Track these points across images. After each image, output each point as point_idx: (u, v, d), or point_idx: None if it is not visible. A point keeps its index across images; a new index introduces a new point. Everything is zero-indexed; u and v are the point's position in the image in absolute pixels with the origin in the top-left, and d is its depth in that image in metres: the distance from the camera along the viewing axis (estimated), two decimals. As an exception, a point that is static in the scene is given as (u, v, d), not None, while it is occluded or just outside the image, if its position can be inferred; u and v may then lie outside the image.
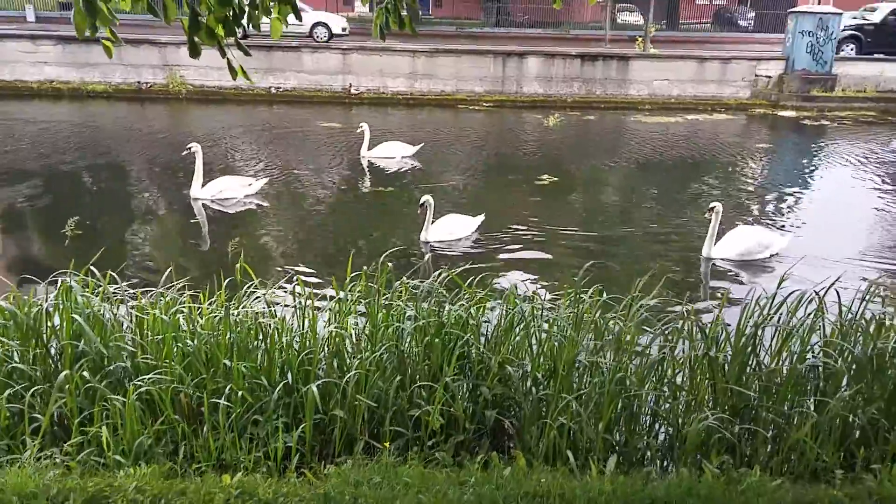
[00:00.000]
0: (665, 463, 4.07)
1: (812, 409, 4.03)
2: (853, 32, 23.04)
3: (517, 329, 4.35)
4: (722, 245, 8.12)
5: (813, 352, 4.21)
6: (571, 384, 4.03)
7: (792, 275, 5.49)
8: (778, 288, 4.48)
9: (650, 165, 13.92)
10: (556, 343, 4.22)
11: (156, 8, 2.75)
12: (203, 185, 9.97)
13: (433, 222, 8.41)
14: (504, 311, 4.37)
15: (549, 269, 7.86)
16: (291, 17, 3.06)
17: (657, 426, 4.23)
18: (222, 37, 2.79)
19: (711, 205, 8.10)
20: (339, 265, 7.75)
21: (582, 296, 4.55)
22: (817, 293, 4.48)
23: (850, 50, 22.80)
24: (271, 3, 2.96)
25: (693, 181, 12.40)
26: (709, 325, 4.35)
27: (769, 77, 20.98)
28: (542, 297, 4.80)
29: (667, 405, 4.20)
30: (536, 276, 7.58)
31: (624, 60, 20.90)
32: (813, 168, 14.54)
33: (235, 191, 10.12)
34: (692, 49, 24.22)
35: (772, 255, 8.22)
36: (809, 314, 4.38)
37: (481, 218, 8.84)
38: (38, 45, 19.21)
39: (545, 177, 12.06)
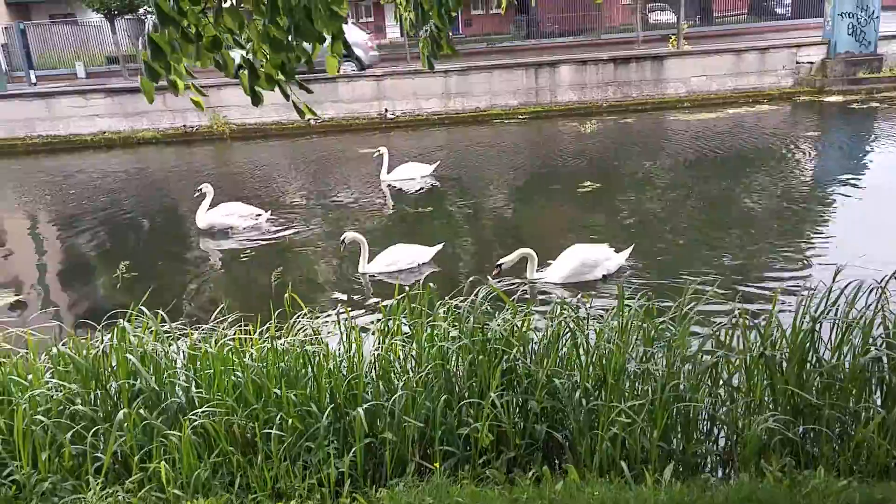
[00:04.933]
0: (726, 469, 3.95)
1: (878, 403, 3.85)
2: None
3: (564, 340, 4.31)
4: (551, 269, 7.60)
5: (876, 344, 4.03)
6: (622, 393, 3.95)
7: (851, 265, 5.30)
8: (833, 281, 4.32)
9: (694, 164, 13.64)
10: (604, 352, 4.15)
11: (220, 62, 2.81)
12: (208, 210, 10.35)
13: (369, 254, 8.14)
14: (549, 323, 4.33)
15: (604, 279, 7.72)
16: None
17: (716, 431, 4.11)
18: (283, 80, 2.82)
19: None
20: (379, 288, 7.81)
21: (629, 303, 4.48)
22: (878, 282, 4.30)
23: None
24: (323, 42, 2.91)
25: (742, 178, 12.04)
26: (761, 322, 4.22)
27: (811, 63, 20.40)
28: (588, 307, 4.74)
29: (724, 409, 4.08)
30: (582, 288, 7.49)
31: (658, 60, 20.64)
32: (866, 153, 14.02)
33: (241, 219, 10.39)
34: (728, 42, 23.76)
35: (606, 276, 7.57)
36: (870, 305, 4.22)
37: (437, 248, 8.42)
38: (89, 99, 20.10)
39: (587, 183, 11.95)
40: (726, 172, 12.74)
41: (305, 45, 2.74)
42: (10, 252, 11.03)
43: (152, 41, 2.49)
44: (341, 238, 8.17)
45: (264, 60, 2.77)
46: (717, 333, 4.30)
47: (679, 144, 15.53)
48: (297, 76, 2.84)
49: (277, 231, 10.38)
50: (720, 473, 3.93)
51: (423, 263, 8.34)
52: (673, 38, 22.63)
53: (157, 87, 2.71)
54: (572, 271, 7.52)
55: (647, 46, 24.23)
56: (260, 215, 10.59)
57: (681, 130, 17.09)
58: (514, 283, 7.34)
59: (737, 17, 36.90)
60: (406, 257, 8.27)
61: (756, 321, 4.39)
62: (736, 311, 4.39)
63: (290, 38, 2.65)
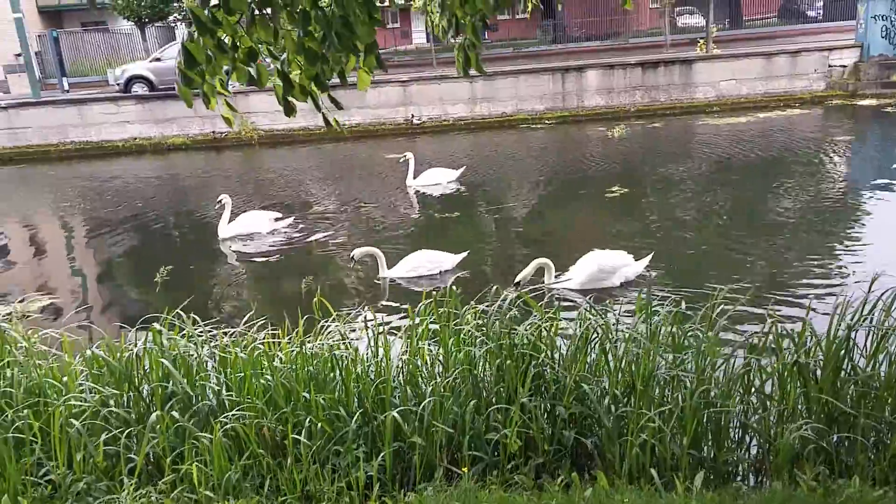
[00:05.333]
0: (758, 478, 3.88)
1: (916, 412, 3.76)
2: None
3: (592, 345, 4.28)
4: (569, 274, 7.52)
5: (913, 352, 3.94)
6: (652, 399, 3.91)
7: (887, 273, 5.19)
8: (870, 289, 4.23)
9: (723, 169, 13.47)
10: (633, 358, 4.11)
11: (254, 76, 2.84)
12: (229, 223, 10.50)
13: (390, 259, 8.23)
14: (577, 329, 4.30)
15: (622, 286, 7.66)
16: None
17: (747, 439, 4.05)
18: (316, 93, 2.86)
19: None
20: (402, 293, 7.82)
21: (657, 308, 4.44)
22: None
23: None
24: (358, 55, 2.93)
25: (772, 183, 11.84)
26: (795, 330, 4.15)
27: (843, 66, 20.06)
28: (616, 313, 4.70)
29: (756, 417, 4.02)
30: (601, 294, 7.43)
31: (686, 64, 20.46)
32: (901, 157, 13.73)
33: (262, 225, 10.54)
34: (758, 46, 23.47)
35: (623, 284, 7.47)
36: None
37: (462, 255, 8.41)
38: (121, 105, 20.52)
39: (615, 188, 11.86)
40: (756, 177, 12.56)
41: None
42: (49, 256, 11.29)
43: (186, 50, 2.55)
44: (350, 255, 8.19)
45: (299, 72, 2.80)
46: (750, 340, 4.24)
47: (708, 149, 15.36)
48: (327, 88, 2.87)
49: (304, 236, 10.47)
50: (752, 482, 3.86)
51: (447, 270, 8.34)
52: (702, 41, 22.42)
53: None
54: (590, 277, 7.46)
55: (675, 50, 24.03)
56: (280, 219, 10.70)
57: (710, 135, 16.90)
58: (530, 289, 7.32)
59: (767, 20, 36.41)
60: (428, 263, 8.29)
61: (789, 328, 4.31)
62: (768, 318, 4.33)
63: (324, 50, 2.68)
